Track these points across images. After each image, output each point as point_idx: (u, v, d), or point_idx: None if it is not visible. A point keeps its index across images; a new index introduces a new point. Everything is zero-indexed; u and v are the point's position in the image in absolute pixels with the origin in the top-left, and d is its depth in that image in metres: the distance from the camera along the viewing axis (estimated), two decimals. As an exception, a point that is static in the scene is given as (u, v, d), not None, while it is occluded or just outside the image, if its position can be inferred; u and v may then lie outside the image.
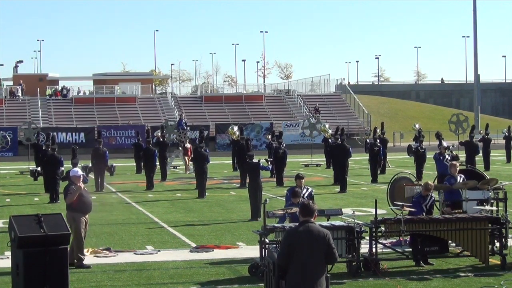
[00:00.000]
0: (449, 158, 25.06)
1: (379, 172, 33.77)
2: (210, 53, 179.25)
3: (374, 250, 13.85)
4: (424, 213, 15.18)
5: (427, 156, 33.19)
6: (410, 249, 14.58)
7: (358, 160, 44.38)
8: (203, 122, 65.02)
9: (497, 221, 14.29)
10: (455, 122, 43.02)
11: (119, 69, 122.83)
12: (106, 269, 14.50)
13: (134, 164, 39.76)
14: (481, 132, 44.05)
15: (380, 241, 14.22)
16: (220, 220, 21.19)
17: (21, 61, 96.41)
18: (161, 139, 37.56)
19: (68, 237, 12.18)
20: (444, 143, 28.57)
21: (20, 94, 72.28)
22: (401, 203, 14.67)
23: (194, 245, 16.91)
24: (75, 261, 14.49)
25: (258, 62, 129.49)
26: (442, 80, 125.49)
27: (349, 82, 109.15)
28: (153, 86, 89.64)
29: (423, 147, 33.65)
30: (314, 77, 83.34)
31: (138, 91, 75.07)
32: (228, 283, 13.20)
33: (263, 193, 21.95)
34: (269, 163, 30.48)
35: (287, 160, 33.50)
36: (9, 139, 48.63)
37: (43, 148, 32.37)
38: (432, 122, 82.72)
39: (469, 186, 16.18)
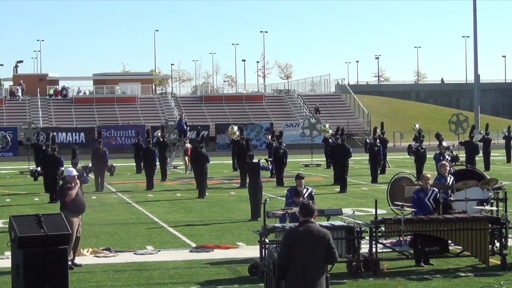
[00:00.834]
0: (449, 158, 25.05)
1: (379, 172, 33.77)
2: (210, 53, 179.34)
3: (374, 250, 13.85)
4: (432, 207, 15.05)
5: (427, 156, 33.18)
6: (411, 249, 14.57)
7: (358, 160, 44.36)
8: (203, 122, 65.02)
9: (497, 221, 14.29)
10: (455, 122, 42.98)
11: (119, 69, 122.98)
12: (106, 269, 14.49)
13: (134, 164, 39.73)
14: (481, 132, 44.03)
15: (380, 241, 14.23)
16: (220, 220, 21.19)
17: (21, 61, 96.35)
18: (161, 139, 37.52)
19: (68, 237, 12.18)
20: (444, 143, 28.57)
21: (20, 94, 72.25)
22: (401, 203, 14.67)
23: (194, 245, 16.91)
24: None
25: (258, 62, 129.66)
26: (442, 80, 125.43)
27: (349, 82, 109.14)
28: (153, 86, 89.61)
29: (423, 147, 33.59)
30: (314, 77, 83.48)
31: (138, 91, 75.04)
32: (228, 283, 13.20)
33: (263, 193, 21.95)
34: (269, 163, 30.45)
35: (287, 160, 33.49)
36: (9, 139, 48.62)
37: (43, 148, 32.32)
38: (432, 122, 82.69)
39: (469, 186, 16.16)
